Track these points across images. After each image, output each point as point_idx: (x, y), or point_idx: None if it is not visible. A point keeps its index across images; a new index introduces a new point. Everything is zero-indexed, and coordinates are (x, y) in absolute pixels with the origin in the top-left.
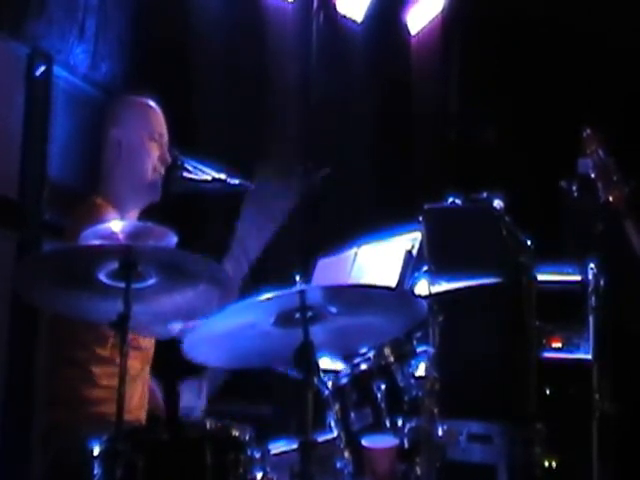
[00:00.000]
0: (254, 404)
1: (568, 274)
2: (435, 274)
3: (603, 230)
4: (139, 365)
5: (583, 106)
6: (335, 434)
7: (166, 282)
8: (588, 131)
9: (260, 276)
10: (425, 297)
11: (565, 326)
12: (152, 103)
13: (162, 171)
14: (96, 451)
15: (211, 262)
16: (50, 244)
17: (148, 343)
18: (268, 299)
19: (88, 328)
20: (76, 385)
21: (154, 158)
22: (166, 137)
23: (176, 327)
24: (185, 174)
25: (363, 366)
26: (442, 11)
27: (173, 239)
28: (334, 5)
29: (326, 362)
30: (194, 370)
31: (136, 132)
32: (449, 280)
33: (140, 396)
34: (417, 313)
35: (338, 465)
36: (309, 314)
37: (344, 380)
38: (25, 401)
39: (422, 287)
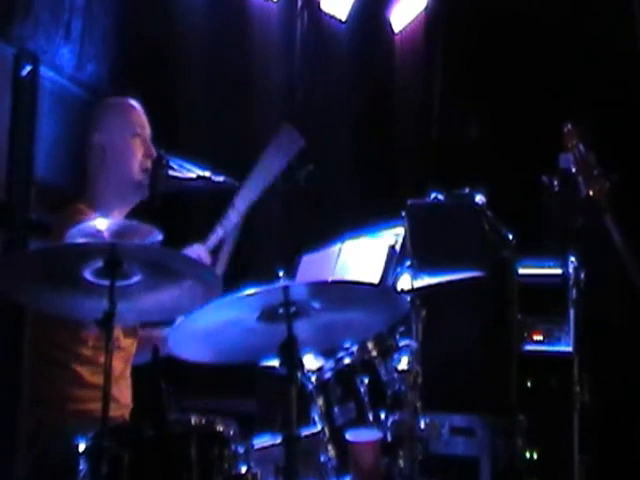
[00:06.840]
0: (238, 399)
1: (549, 268)
2: (418, 269)
3: (584, 224)
4: (121, 365)
5: (564, 102)
6: (319, 428)
7: (151, 280)
8: (569, 126)
9: (244, 272)
10: (408, 292)
11: (546, 319)
12: (132, 101)
13: (148, 165)
14: (82, 448)
15: (196, 260)
16: (37, 244)
17: (128, 343)
18: (252, 294)
19: (66, 329)
20: (59, 384)
21: (139, 156)
22: (148, 130)
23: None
24: (170, 172)
25: (346, 361)
26: (425, 9)
27: (158, 237)
28: (318, 4)
29: (309, 362)
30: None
31: (118, 134)
32: (431, 275)
33: (125, 397)
34: (399, 308)
35: (322, 459)
36: (293, 309)
37: (328, 375)
38: (11, 400)
39: (405, 282)
